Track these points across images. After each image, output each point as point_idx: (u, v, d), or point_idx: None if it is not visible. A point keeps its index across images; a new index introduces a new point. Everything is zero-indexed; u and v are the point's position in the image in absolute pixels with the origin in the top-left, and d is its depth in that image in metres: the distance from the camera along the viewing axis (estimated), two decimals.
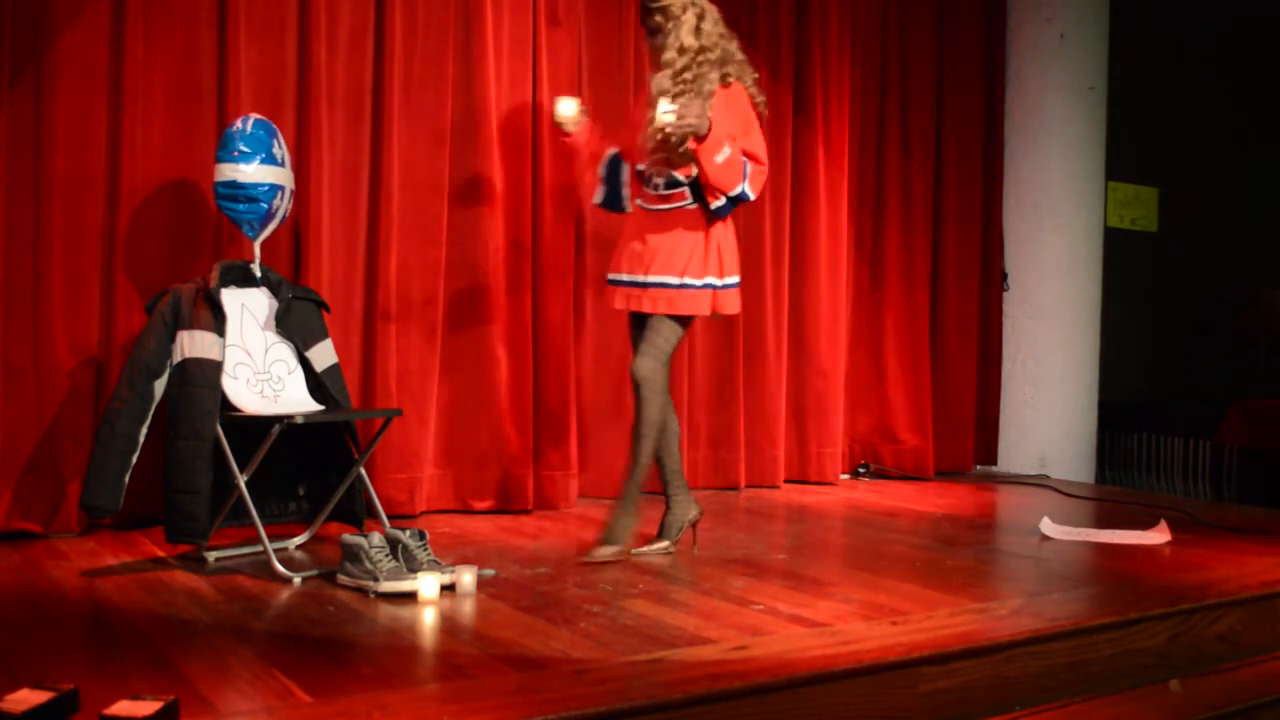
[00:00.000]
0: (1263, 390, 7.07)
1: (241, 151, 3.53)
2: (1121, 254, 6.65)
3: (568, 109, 3.73)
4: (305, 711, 2.11)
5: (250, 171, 3.53)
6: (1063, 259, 5.86)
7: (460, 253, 4.38)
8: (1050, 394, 5.85)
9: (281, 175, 3.62)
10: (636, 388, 3.53)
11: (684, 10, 3.53)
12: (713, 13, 3.61)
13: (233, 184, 3.52)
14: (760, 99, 3.70)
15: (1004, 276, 5.97)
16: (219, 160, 3.56)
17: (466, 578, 3.06)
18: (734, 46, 3.65)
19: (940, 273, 5.80)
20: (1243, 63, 7.66)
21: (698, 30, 3.53)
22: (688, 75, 3.50)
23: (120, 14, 3.76)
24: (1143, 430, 6.87)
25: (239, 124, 3.60)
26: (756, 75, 3.71)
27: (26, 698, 1.99)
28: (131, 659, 2.44)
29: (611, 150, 3.84)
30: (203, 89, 3.94)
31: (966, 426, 5.81)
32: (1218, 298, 7.72)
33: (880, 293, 5.64)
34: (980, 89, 5.87)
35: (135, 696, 2.04)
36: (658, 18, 3.54)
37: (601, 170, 3.86)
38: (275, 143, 3.62)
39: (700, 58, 3.52)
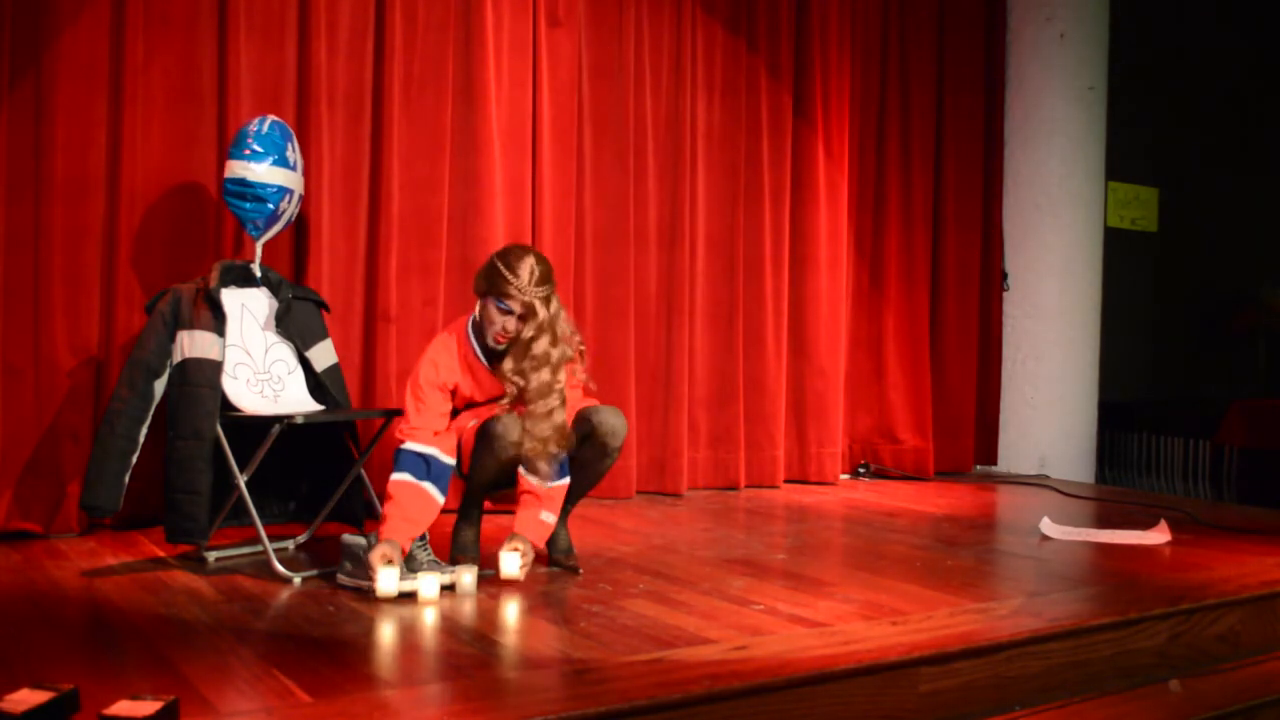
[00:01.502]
0: (1263, 390, 7.08)
1: (254, 150, 3.53)
2: (1121, 254, 6.65)
3: (389, 584, 2.96)
4: (305, 711, 2.11)
5: (261, 171, 3.53)
6: (1063, 259, 5.86)
7: (460, 253, 4.38)
8: (1050, 394, 5.85)
9: (292, 179, 3.63)
10: (619, 441, 3.36)
11: (545, 304, 3.20)
12: (552, 285, 3.26)
13: (242, 182, 3.53)
14: (582, 376, 3.40)
15: (1004, 276, 5.97)
16: (230, 157, 3.56)
17: (466, 578, 3.05)
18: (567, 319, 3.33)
19: (940, 273, 5.80)
20: (1243, 62, 7.66)
21: (554, 325, 3.23)
22: (559, 381, 3.22)
23: (120, 14, 3.76)
24: (1143, 430, 6.87)
25: (255, 123, 3.60)
26: (584, 347, 3.42)
27: (26, 698, 1.99)
28: (131, 659, 2.44)
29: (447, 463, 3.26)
30: (203, 89, 3.94)
31: (966, 426, 5.81)
32: (1218, 298, 7.73)
33: (880, 292, 5.64)
34: (980, 89, 5.87)
35: (135, 696, 2.04)
36: (520, 313, 3.20)
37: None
38: (290, 146, 3.63)
39: (559, 354, 3.23)
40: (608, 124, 4.76)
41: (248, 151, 3.53)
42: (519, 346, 3.21)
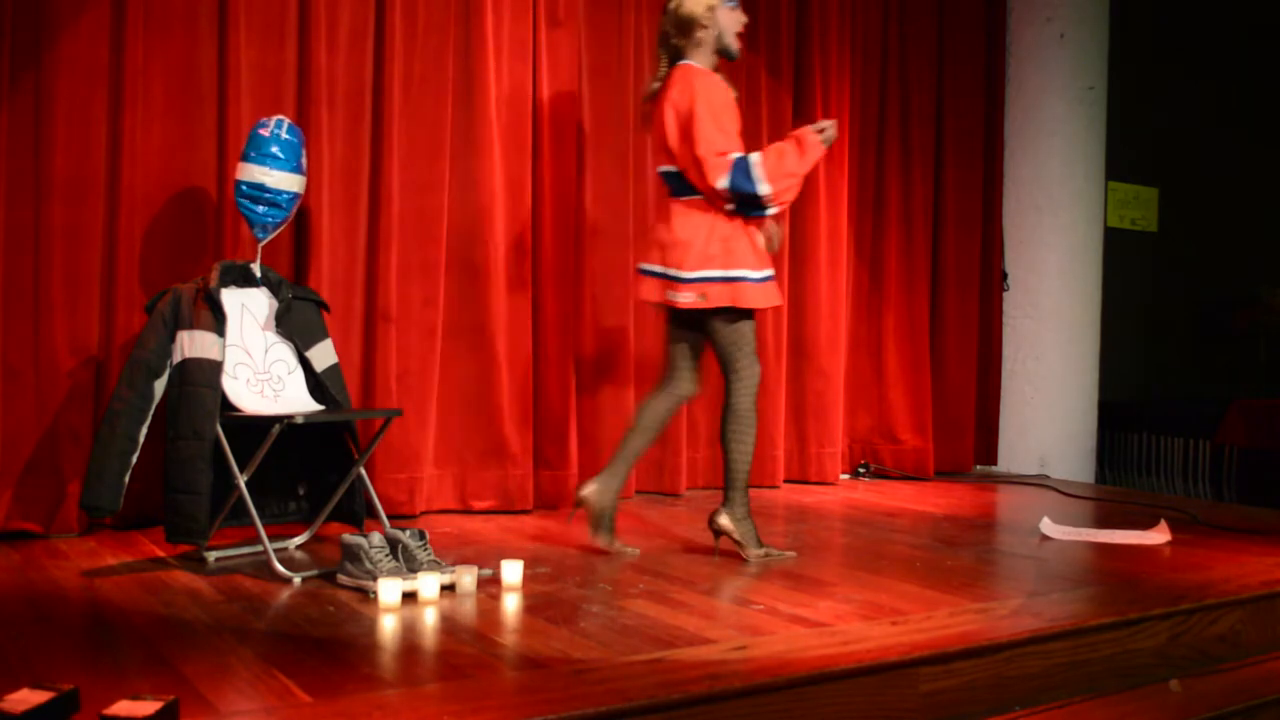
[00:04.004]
0: (1263, 390, 7.07)
1: (275, 156, 3.53)
2: (1121, 254, 6.65)
3: (391, 595, 2.88)
4: (305, 711, 2.11)
5: (279, 177, 3.54)
6: (1063, 259, 5.86)
7: (460, 253, 4.38)
8: (1050, 394, 5.85)
9: (303, 184, 3.65)
10: None
11: None
12: None
13: (261, 186, 3.52)
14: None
15: (1004, 277, 5.97)
16: (248, 160, 3.54)
17: (466, 578, 3.06)
18: None
19: (940, 273, 5.79)
20: (1242, 62, 7.66)
21: None
22: None
23: (120, 14, 3.76)
24: (1143, 430, 6.87)
25: (272, 126, 3.58)
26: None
27: (26, 698, 1.99)
28: (131, 659, 2.44)
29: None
30: (203, 89, 3.94)
31: (966, 426, 5.80)
32: (1218, 298, 7.72)
33: (880, 293, 5.64)
34: (980, 89, 5.87)
35: (135, 696, 2.04)
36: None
37: None
38: (304, 150, 3.64)
39: None
40: (608, 124, 4.76)
41: (268, 157, 3.53)
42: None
